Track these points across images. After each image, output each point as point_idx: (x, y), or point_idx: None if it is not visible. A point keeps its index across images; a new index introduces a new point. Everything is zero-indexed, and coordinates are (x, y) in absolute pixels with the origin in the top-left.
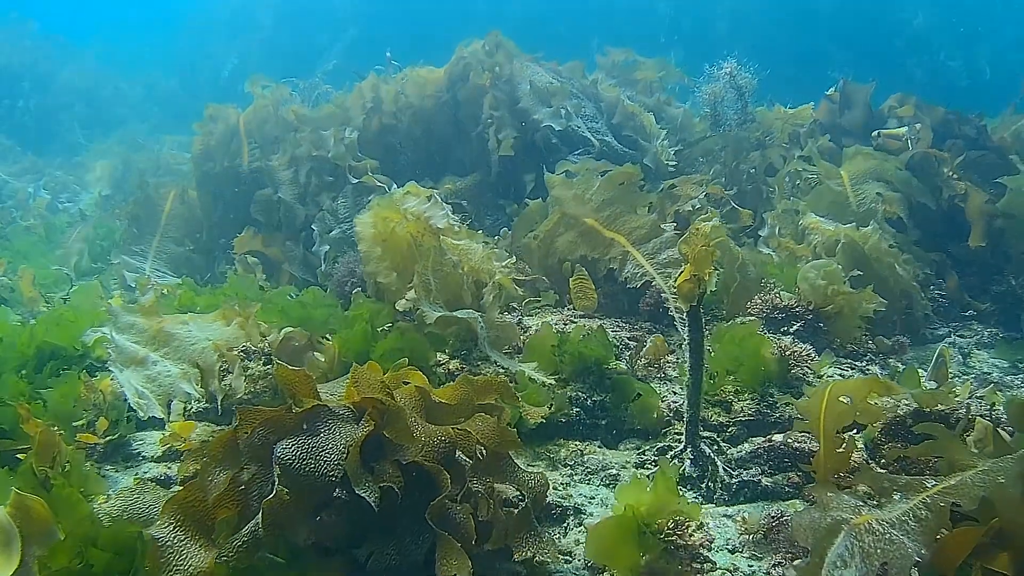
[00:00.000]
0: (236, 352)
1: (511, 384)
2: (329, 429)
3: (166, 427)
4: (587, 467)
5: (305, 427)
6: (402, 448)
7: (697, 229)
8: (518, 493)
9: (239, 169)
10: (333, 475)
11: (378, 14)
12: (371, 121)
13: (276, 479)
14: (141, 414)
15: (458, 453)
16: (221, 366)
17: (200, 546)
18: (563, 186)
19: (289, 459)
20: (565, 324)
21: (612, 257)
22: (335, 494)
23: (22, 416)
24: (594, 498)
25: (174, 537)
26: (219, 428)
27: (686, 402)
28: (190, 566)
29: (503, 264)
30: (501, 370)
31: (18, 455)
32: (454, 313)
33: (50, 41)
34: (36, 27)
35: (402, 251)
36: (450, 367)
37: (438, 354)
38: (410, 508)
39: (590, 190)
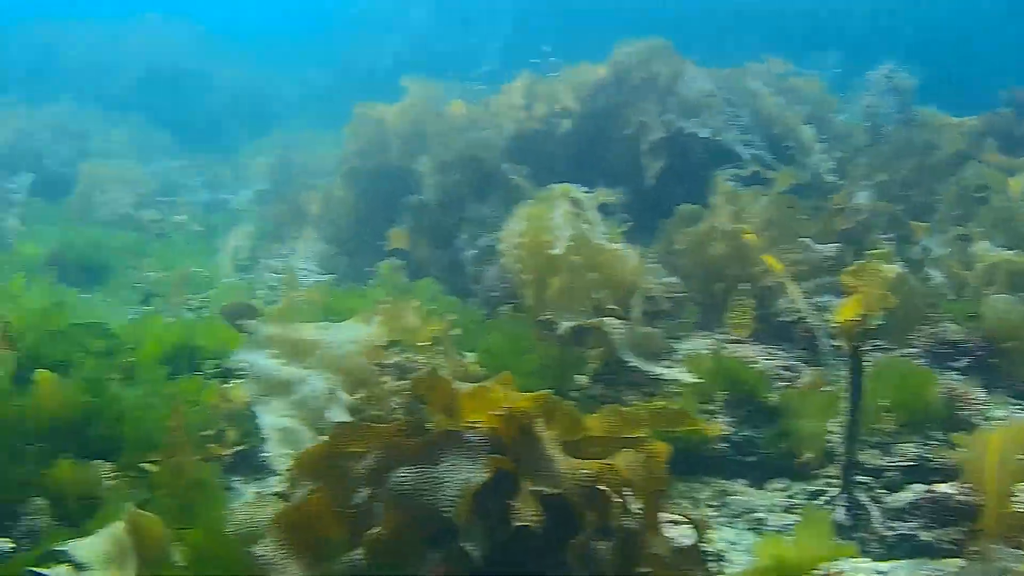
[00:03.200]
0: (383, 349)
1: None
2: (455, 459)
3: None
4: (731, 509)
5: (430, 453)
6: (539, 480)
7: (874, 270)
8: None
9: (387, 169)
10: (449, 513)
11: (534, 13)
12: (521, 124)
13: (384, 511)
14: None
15: (602, 487)
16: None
17: (304, 568)
18: (725, 198)
19: (405, 488)
20: (716, 350)
21: (768, 284)
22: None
23: (173, 420)
24: (737, 544)
25: (278, 556)
26: None
27: (842, 444)
28: None
29: (660, 281)
30: (647, 382)
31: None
32: (592, 320)
33: (211, 41)
34: (199, 28)
35: (552, 260)
36: (593, 392)
37: (578, 377)
38: (549, 544)
39: (752, 208)
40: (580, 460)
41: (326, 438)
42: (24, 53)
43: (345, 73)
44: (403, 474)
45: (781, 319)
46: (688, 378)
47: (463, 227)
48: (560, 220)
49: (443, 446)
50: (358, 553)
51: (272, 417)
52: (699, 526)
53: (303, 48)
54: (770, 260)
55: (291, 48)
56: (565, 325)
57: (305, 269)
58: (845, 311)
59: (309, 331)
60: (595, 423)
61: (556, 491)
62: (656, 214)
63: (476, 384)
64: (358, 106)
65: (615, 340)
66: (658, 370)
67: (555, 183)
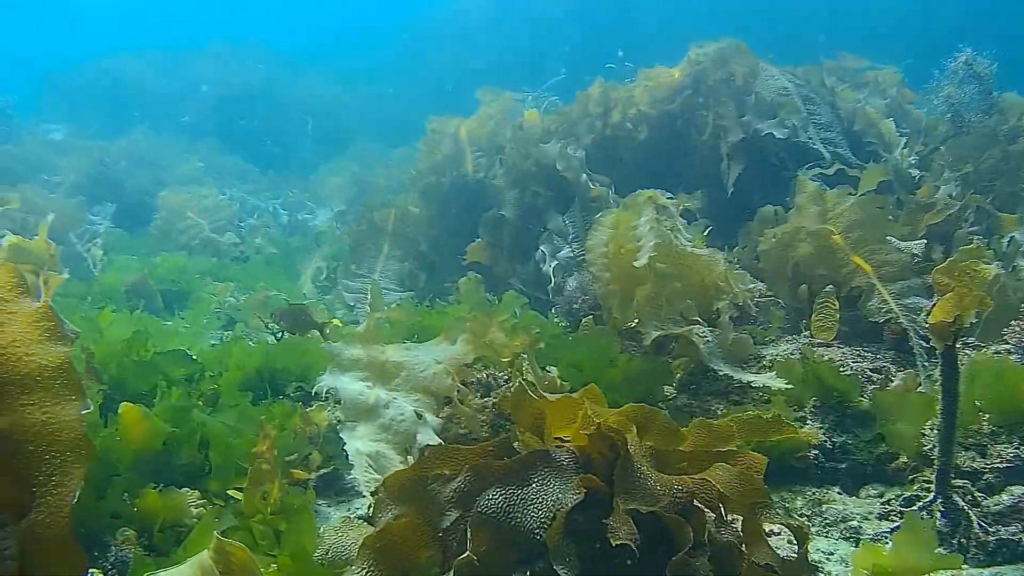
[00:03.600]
0: (470, 368)
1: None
2: (544, 480)
3: None
4: (825, 518)
5: (519, 473)
6: (634, 499)
7: (970, 270)
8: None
9: (462, 183)
10: (539, 534)
11: (600, 21)
12: (597, 132)
13: (470, 536)
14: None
15: (695, 503)
16: (457, 389)
17: None
18: (810, 198)
19: (492, 511)
20: (803, 354)
21: (856, 285)
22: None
23: (260, 444)
24: (832, 554)
25: None
26: None
27: (936, 447)
28: None
29: (747, 286)
30: (734, 389)
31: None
32: (681, 329)
33: (281, 64)
34: (268, 52)
35: (638, 268)
36: (678, 403)
37: (665, 388)
38: (639, 563)
39: (838, 208)
40: (674, 476)
41: (414, 462)
42: (99, 86)
43: (415, 89)
44: (492, 496)
45: (869, 320)
46: (778, 384)
47: (543, 239)
48: (645, 227)
49: (532, 466)
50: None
51: (358, 442)
52: (799, 535)
53: (373, 66)
54: (857, 260)
55: (361, 67)
56: (652, 334)
57: (384, 288)
58: (938, 311)
59: (393, 352)
60: (685, 436)
61: (651, 509)
62: (737, 218)
63: (563, 397)
64: (430, 120)
65: (703, 348)
66: (748, 377)
67: (634, 190)
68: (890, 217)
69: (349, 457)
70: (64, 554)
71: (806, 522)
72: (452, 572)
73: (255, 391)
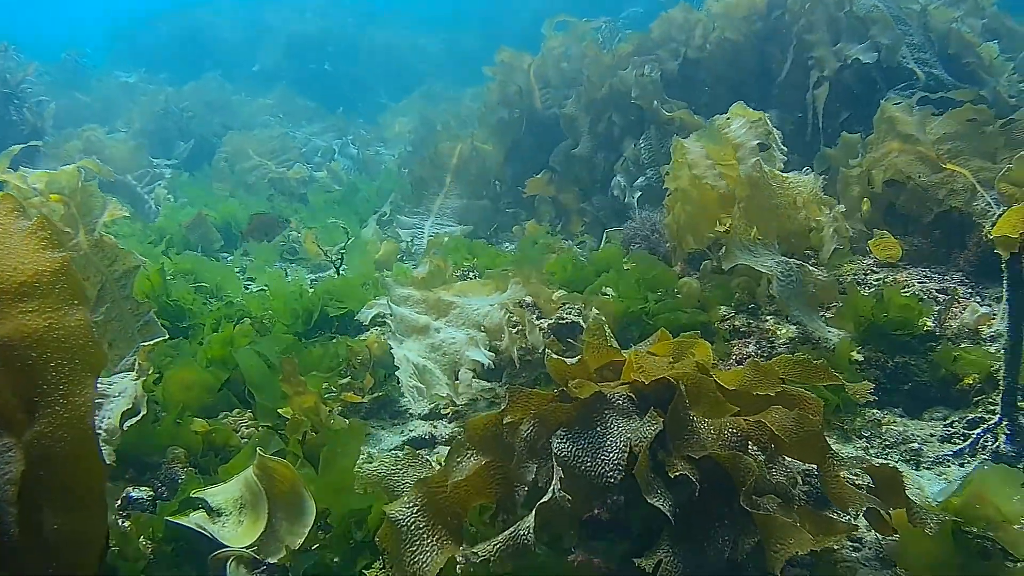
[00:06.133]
0: (523, 307)
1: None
2: (607, 423)
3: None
4: (884, 440)
5: (581, 419)
6: (692, 442)
7: None
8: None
9: (533, 116)
10: (612, 477)
11: None
12: (680, 56)
13: (559, 478)
14: (412, 400)
15: (750, 446)
16: (509, 318)
17: (438, 539)
18: (899, 111)
19: (564, 456)
20: (865, 274)
21: (952, 190)
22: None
23: (285, 371)
24: None
25: (413, 523)
26: (488, 386)
27: (1003, 367)
28: (423, 563)
29: (833, 212)
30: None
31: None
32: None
33: (352, 8)
34: None
35: (711, 196)
36: (735, 323)
37: (722, 308)
38: (699, 508)
39: (928, 123)
40: (727, 419)
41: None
42: (171, 36)
43: (487, 32)
44: (563, 438)
45: (933, 244)
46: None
47: (618, 166)
48: (743, 132)
49: (595, 408)
50: (527, 522)
51: (407, 351)
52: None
53: (450, 13)
54: (952, 167)
55: (432, 7)
56: (738, 257)
57: (442, 223)
58: (1004, 223)
59: (447, 292)
60: (736, 378)
61: (706, 453)
62: (822, 142)
63: (607, 350)
64: (501, 51)
65: (771, 271)
66: (816, 327)
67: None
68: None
69: (395, 360)
70: (77, 465)
71: (860, 444)
72: (534, 517)
73: (312, 322)
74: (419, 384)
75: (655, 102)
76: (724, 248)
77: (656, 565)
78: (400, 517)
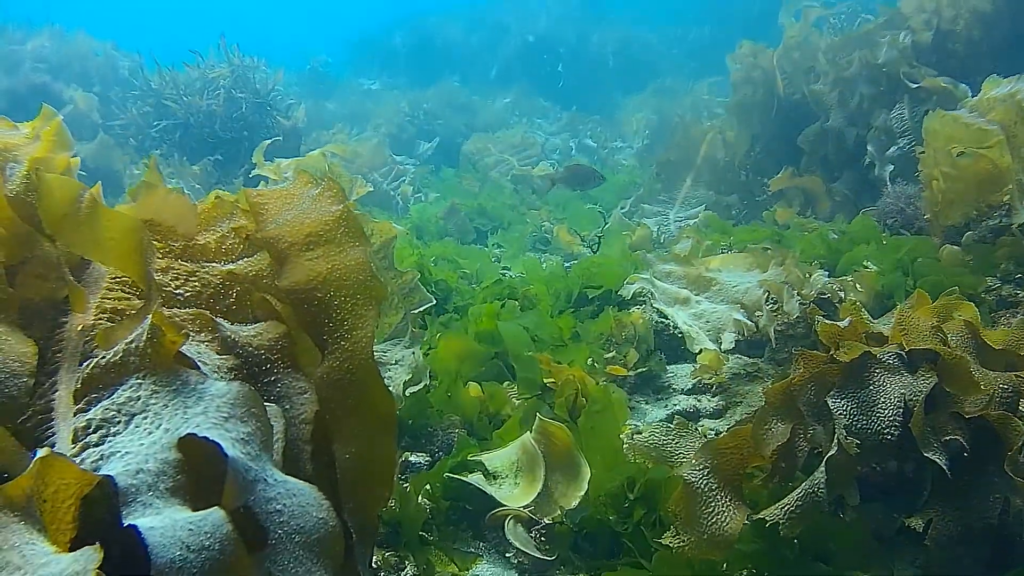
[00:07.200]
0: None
1: None
2: (879, 380)
3: (696, 360)
4: None
5: (854, 378)
6: (961, 399)
7: None
8: None
9: (775, 102)
10: (889, 434)
11: None
12: (928, 28)
13: (842, 432)
14: (689, 344)
15: (1022, 404)
16: (767, 299)
17: (730, 500)
18: None
19: (842, 413)
20: None
21: None
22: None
23: (542, 366)
24: None
25: (706, 484)
26: (750, 360)
27: None
28: (721, 524)
29: None
30: None
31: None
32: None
33: (584, 7)
34: None
35: (973, 169)
36: (1002, 293)
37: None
38: (969, 466)
39: None
40: (998, 373)
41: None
42: (406, 44)
43: (717, 23)
44: (837, 396)
45: None
46: None
47: (869, 137)
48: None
49: (868, 367)
50: (817, 477)
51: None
52: None
53: (679, 6)
54: None
55: (660, 4)
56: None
57: (688, 212)
58: None
59: (707, 267)
60: (1004, 337)
61: (976, 412)
62: None
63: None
64: (741, 45)
65: None
66: None
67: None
68: None
69: (668, 316)
70: (364, 393)
71: None
72: (823, 467)
73: (567, 304)
74: (692, 331)
75: (907, 68)
76: (1008, 207)
77: (927, 523)
78: (693, 479)
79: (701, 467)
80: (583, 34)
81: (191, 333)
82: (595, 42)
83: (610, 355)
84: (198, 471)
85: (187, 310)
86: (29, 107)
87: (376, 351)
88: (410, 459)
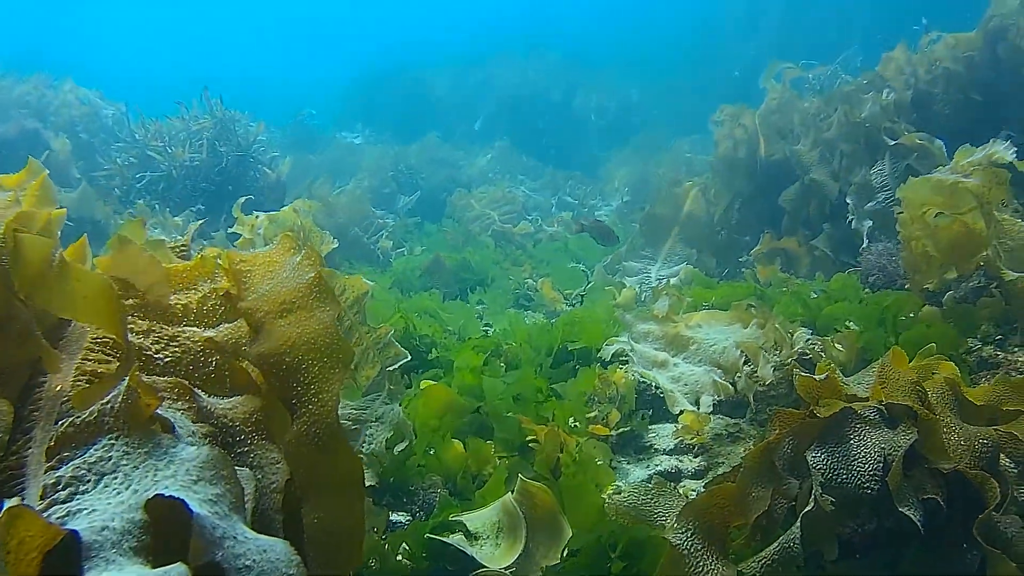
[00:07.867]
0: (759, 346)
1: None
2: (859, 435)
3: (678, 420)
4: None
5: (833, 433)
6: (941, 454)
7: None
8: None
9: (757, 164)
10: (869, 488)
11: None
12: (906, 87)
13: (818, 488)
14: (670, 405)
15: (1002, 459)
16: (744, 361)
17: (716, 559)
18: None
19: (820, 468)
20: None
21: None
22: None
23: (524, 426)
24: None
25: (691, 545)
26: (732, 421)
27: None
28: None
29: None
30: None
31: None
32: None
33: (567, 69)
34: (552, 58)
35: (949, 234)
36: (983, 354)
37: (969, 340)
38: (948, 522)
39: None
40: (978, 428)
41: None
42: (392, 97)
43: (697, 83)
44: (817, 451)
45: None
46: None
47: (850, 192)
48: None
49: (848, 422)
50: (793, 532)
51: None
52: None
53: (658, 61)
54: None
55: (645, 61)
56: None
57: (670, 268)
58: None
59: (684, 328)
60: (985, 393)
61: (954, 467)
62: None
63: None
64: (722, 109)
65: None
66: None
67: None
68: None
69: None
70: (333, 459)
71: None
72: (799, 523)
73: (553, 358)
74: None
75: (888, 124)
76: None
77: None
78: (679, 542)
79: (684, 529)
80: (564, 92)
81: (169, 400)
82: (577, 101)
83: (592, 415)
84: (168, 533)
85: (166, 378)
86: (19, 153)
87: (355, 407)
88: (391, 518)
